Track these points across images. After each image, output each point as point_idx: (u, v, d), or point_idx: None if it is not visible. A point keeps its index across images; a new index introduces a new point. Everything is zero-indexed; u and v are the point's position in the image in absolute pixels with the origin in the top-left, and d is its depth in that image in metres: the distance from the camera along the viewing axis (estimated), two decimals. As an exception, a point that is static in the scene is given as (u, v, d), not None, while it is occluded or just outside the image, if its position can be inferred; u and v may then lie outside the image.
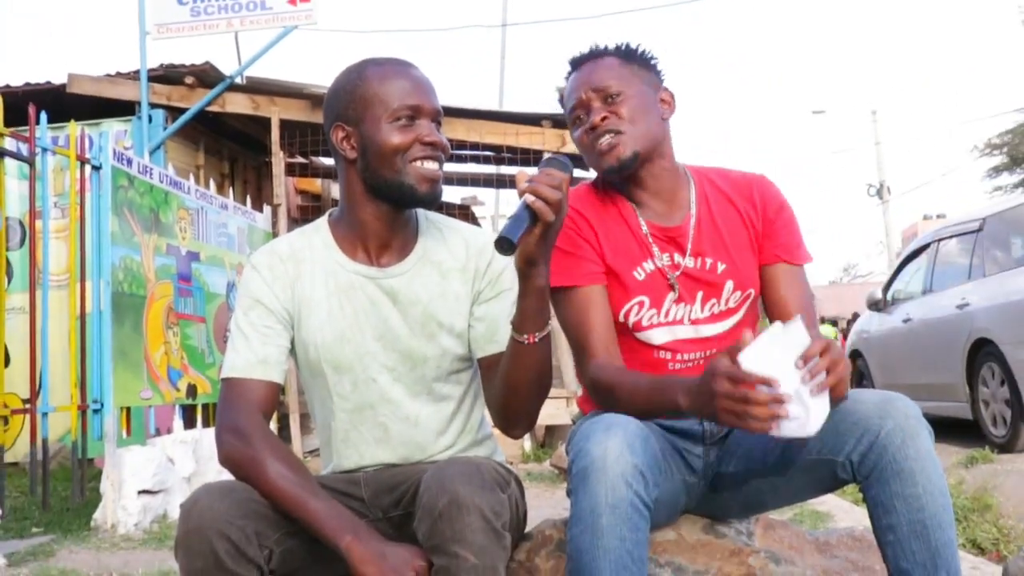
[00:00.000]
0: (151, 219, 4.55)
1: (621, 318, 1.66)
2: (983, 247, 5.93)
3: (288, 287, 1.60)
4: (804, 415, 1.28)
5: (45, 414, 4.03)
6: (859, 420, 1.43)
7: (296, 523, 1.40)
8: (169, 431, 4.60)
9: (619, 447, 1.35)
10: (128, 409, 4.34)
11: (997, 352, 5.37)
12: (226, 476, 1.49)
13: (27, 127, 4.00)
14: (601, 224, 1.69)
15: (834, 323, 21.48)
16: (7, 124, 3.89)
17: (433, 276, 1.62)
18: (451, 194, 12.91)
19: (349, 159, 1.58)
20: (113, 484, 3.93)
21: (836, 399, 1.35)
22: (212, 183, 6.02)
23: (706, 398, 1.35)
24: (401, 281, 1.60)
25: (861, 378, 7.62)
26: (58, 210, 5.67)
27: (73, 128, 4.26)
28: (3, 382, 3.92)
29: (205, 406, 4.94)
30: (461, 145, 6.95)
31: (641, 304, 1.66)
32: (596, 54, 1.71)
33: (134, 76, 6.78)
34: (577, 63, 1.73)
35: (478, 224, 10.38)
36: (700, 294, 1.67)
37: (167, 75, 6.88)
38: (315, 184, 9.02)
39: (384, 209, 1.59)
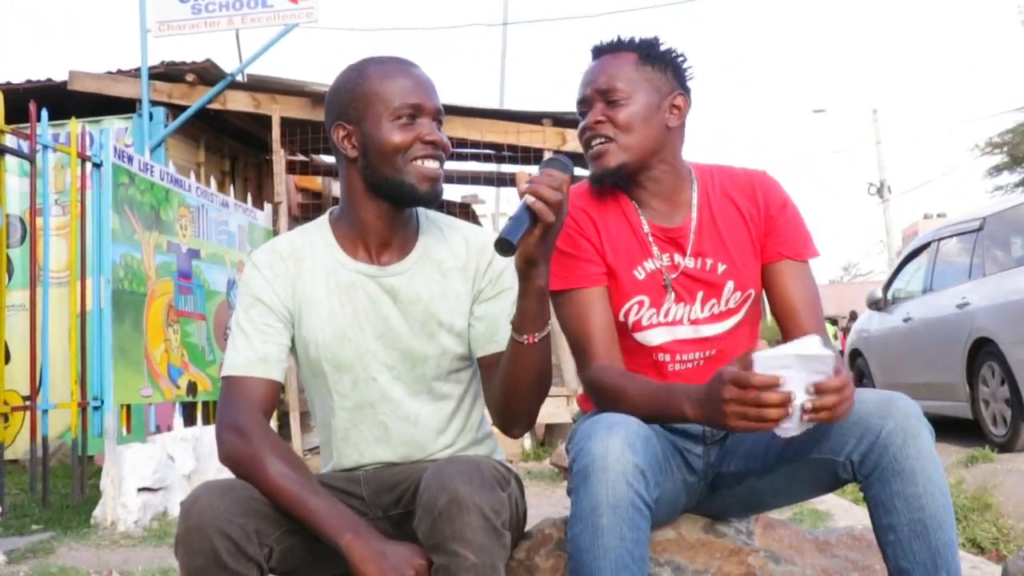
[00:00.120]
0: (152, 216, 4.55)
1: (621, 317, 1.66)
2: (983, 246, 5.93)
3: (289, 285, 1.60)
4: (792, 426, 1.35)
5: (45, 411, 4.02)
6: (860, 420, 1.43)
7: (296, 521, 1.40)
8: (169, 428, 4.61)
9: (620, 446, 1.35)
10: (128, 406, 4.34)
11: (997, 351, 5.37)
12: (226, 474, 1.49)
13: (28, 124, 3.99)
14: (603, 221, 1.68)
15: (834, 322, 21.47)
16: (8, 121, 3.88)
17: (434, 275, 1.62)
18: (452, 192, 12.93)
19: (350, 157, 1.58)
20: (113, 481, 3.93)
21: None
22: (213, 181, 6.02)
23: (714, 406, 1.35)
24: (401, 280, 1.60)
25: (861, 377, 7.62)
26: (59, 207, 5.66)
27: (74, 125, 4.25)
28: (3, 379, 3.92)
29: (205, 404, 4.95)
30: (462, 143, 6.94)
31: (641, 303, 1.66)
32: (617, 46, 1.68)
33: (135, 73, 6.78)
34: (597, 52, 1.71)
35: (478, 222, 10.38)
36: (700, 294, 1.67)
37: (168, 72, 6.87)
38: (316, 182, 9.02)
39: (385, 208, 1.59)
